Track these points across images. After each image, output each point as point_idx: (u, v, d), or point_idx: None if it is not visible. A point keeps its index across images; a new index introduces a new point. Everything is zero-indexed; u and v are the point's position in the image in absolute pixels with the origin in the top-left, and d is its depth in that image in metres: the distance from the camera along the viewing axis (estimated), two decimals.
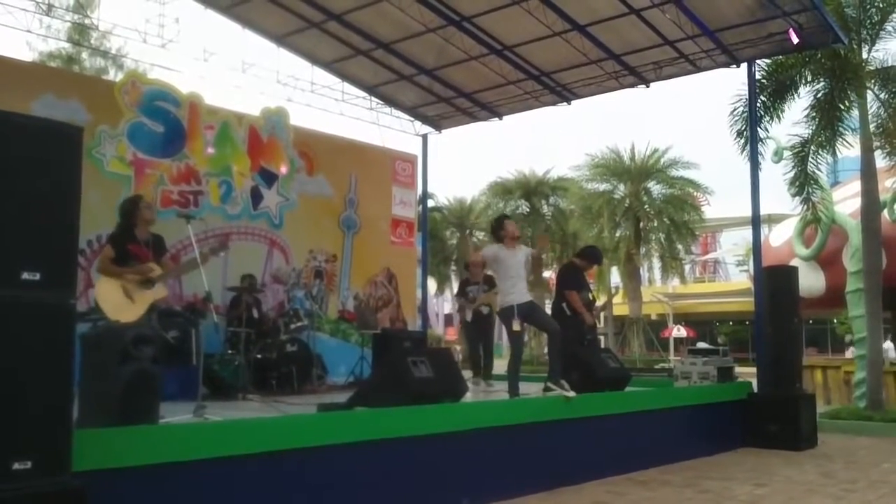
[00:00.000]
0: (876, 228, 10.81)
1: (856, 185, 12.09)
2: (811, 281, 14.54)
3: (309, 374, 8.49)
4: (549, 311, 7.97)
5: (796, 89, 10.58)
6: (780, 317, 8.72)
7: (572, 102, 11.68)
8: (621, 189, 29.75)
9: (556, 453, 6.07)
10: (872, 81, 10.64)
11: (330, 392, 8.15)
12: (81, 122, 8.09)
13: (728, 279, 43.21)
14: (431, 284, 29.86)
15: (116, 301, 5.36)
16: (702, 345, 18.81)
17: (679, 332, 35.46)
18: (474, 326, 9.36)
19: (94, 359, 4.10)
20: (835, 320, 23.54)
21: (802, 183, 10.72)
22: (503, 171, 61.70)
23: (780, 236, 17.04)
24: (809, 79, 10.53)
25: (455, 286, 38.37)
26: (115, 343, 4.10)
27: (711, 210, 33.54)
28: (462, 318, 9.63)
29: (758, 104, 10.15)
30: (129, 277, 5.43)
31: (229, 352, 8.23)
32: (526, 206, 33.33)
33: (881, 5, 10.56)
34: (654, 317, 37.58)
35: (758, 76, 10.08)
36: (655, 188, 29.92)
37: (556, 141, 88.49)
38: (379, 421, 4.93)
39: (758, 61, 9.93)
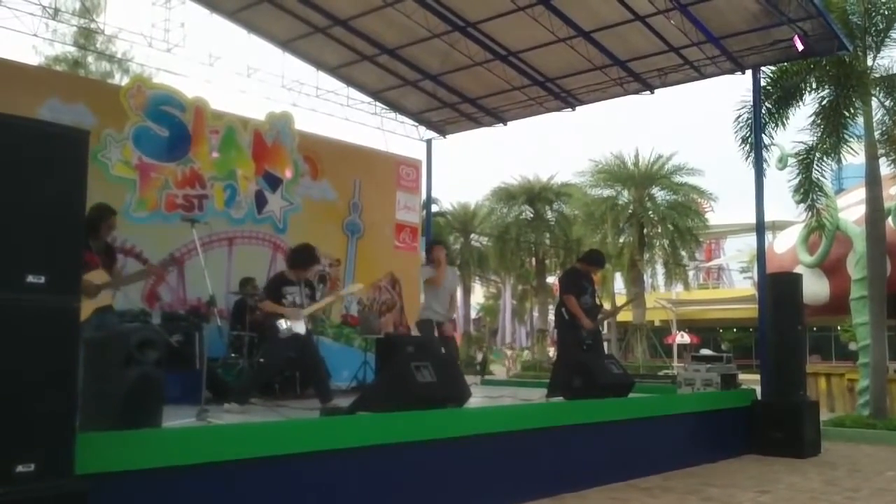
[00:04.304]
0: (880, 235, 10.78)
1: (860, 193, 12.07)
2: (815, 288, 14.54)
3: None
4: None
5: (801, 96, 10.57)
6: (784, 324, 8.69)
7: (577, 108, 11.70)
8: (625, 195, 29.74)
9: (559, 459, 6.06)
10: (877, 89, 10.63)
11: (333, 396, 8.12)
12: (87, 126, 8.07)
13: (732, 286, 43.02)
14: None
15: None
16: (705, 351, 18.78)
17: (683, 338, 35.33)
18: (292, 346, 6.69)
19: (97, 362, 4.10)
20: (839, 328, 23.41)
21: (807, 190, 10.71)
22: (507, 176, 61.78)
23: (784, 243, 17.04)
24: (814, 86, 10.52)
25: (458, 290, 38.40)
26: (119, 347, 4.11)
27: (715, 216, 33.50)
28: (271, 335, 6.68)
29: (762, 111, 10.12)
30: None
31: (232, 355, 8.24)
32: (530, 211, 33.39)
33: (886, 13, 10.54)
34: (657, 323, 37.48)
35: (763, 83, 10.06)
36: (659, 194, 29.93)
37: (561, 147, 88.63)
38: (382, 426, 4.92)
39: (763, 68, 9.91)
